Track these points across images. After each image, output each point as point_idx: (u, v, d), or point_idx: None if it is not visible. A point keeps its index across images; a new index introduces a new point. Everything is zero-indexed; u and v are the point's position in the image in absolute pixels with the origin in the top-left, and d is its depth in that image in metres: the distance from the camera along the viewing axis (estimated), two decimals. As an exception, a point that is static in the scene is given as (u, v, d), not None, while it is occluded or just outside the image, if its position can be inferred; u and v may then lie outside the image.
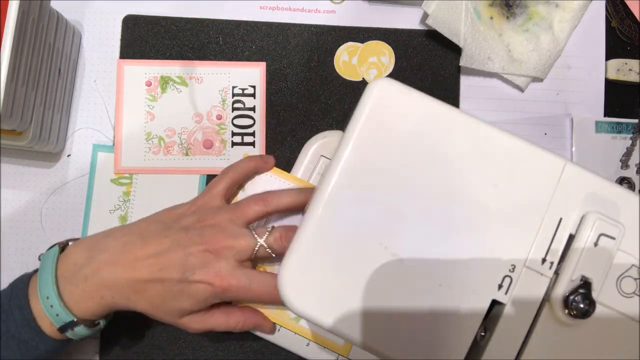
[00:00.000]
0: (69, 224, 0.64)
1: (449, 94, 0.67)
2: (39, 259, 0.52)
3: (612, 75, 0.67)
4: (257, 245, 0.52)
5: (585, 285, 0.40)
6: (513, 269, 0.41)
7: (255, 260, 0.55)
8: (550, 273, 0.41)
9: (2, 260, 0.64)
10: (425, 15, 0.65)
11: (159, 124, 0.65)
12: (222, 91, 0.66)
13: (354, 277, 0.42)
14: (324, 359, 0.59)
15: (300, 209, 0.56)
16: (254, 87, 0.66)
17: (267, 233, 0.53)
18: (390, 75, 0.66)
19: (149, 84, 0.65)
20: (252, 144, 0.65)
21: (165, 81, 0.66)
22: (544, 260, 0.41)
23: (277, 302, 0.51)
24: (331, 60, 0.67)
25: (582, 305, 0.39)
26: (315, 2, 0.68)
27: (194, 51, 0.67)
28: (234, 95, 0.66)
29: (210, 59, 0.66)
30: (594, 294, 0.40)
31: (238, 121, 0.66)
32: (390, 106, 0.43)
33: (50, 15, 0.59)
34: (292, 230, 0.53)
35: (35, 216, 0.64)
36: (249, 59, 0.66)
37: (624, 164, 0.65)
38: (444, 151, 0.43)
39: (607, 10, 0.68)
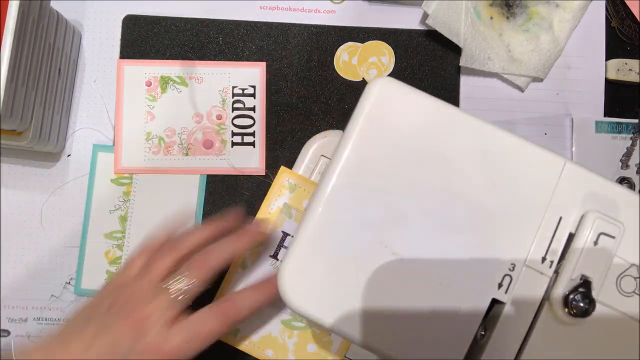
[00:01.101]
0: (69, 224, 0.64)
1: (449, 94, 0.67)
2: None
3: (612, 75, 0.67)
4: (180, 297, 0.48)
5: (585, 284, 0.40)
6: (513, 268, 0.41)
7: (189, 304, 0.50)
8: (550, 272, 0.41)
9: (1, 260, 0.64)
10: (425, 15, 0.65)
11: (159, 124, 0.65)
12: (222, 91, 0.66)
13: (354, 276, 0.42)
14: (324, 359, 0.59)
15: (212, 241, 0.53)
16: (254, 87, 0.66)
17: (177, 280, 0.49)
18: (390, 75, 0.66)
19: (149, 84, 0.65)
20: (252, 144, 0.65)
21: (165, 81, 0.66)
22: (543, 259, 0.41)
23: (234, 324, 0.50)
24: (331, 60, 0.67)
25: (582, 304, 0.39)
26: (315, 2, 0.68)
27: (194, 51, 0.67)
28: (234, 95, 0.66)
29: (210, 59, 0.66)
30: (594, 293, 0.40)
31: (238, 121, 0.66)
32: (390, 105, 0.43)
33: (50, 15, 0.59)
34: (206, 259, 0.50)
35: (35, 216, 0.64)
36: (249, 59, 0.67)
37: (624, 164, 0.65)
38: (443, 150, 0.43)
39: (607, 10, 0.68)
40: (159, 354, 0.45)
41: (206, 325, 0.47)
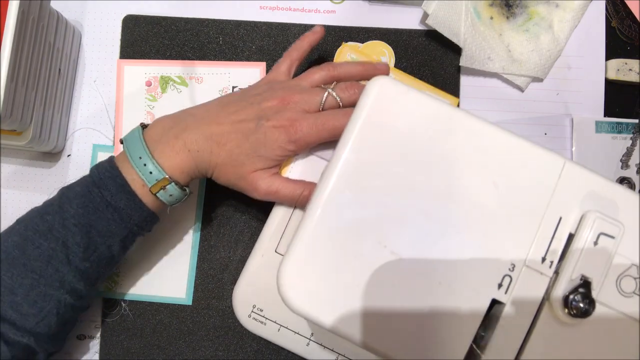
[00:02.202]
0: (69, 224, 0.64)
1: (449, 94, 0.67)
2: (121, 142, 0.55)
3: (612, 75, 0.67)
4: (326, 94, 0.55)
5: (585, 284, 0.40)
6: (513, 268, 0.41)
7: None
8: (550, 272, 0.41)
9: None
10: (425, 15, 0.65)
11: (159, 124, 0.65)
12: (222, 91, 0.66)
13: (353, 277, 0.42)
14: (324, 359, 0.59)
15: (363, 78, 0.59)
16: (254, 87, 0.66)
17: (333, 85, 0.57)
18: (390, 75, 0.66)
19: (149, 84, 0.65)
20: (252, 144, 0.65)
21: (165, 81, 0.66)
22: (543, 259, 0.41)
23: None
24: (331, 60, 0.67)
25: (581, 305, 0.39)
26: (315, 2, 0.68)
27: (194, 51, 0.67)
28: (234, 95, 0.66)
29: (210, 59, 0.66)
30: (594, 293, 0.40)
31: (238, 121, 0.66)
32: (389, 105, 0.43)
33: (50, 15, 0.59)
34: (359, 84, 0.57)
35: (35, 216, 0.65)
36: (249, 59, 0.67)
37: (624, 164, 0.65)
38: (443, 150, 0.42)
39: (607, 10, 0.68)
40: (289, 127, 0.53)
41: (335, 119, 0.54)
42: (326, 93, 0.55)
